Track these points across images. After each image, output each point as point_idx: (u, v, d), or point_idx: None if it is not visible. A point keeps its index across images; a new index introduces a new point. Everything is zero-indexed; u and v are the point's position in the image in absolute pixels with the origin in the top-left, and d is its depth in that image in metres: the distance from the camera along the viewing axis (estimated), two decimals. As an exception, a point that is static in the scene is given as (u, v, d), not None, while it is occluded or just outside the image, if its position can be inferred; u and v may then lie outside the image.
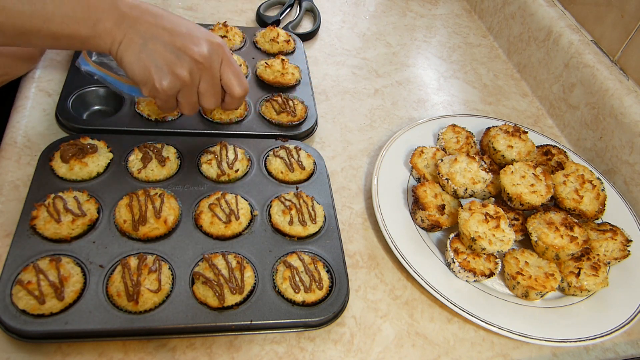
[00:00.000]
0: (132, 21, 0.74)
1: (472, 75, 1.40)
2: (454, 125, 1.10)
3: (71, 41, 0.73)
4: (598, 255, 0.91)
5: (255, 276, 0.78)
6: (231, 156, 0.92)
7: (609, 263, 0.92)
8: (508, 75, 1.43)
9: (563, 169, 1.01)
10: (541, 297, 0.87)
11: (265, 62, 1.13)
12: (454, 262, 0.86)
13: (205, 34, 0.79)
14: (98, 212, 0.81)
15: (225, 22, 1.22)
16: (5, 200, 0.85)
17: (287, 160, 0.94)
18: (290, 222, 0.85)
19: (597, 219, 0.99)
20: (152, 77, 0.75)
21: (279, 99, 1.06)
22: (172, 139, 0.95)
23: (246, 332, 0.74)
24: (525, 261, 0.89)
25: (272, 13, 1.41)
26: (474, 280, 0.86)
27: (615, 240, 0.92)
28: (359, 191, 1.02)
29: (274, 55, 1.20)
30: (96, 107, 1.03)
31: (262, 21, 1.36)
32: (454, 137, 1.07)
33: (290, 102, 1.06)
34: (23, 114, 0.98)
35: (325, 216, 0.88)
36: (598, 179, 0.98)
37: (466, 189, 0.94)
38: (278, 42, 1.21)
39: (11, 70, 0.99)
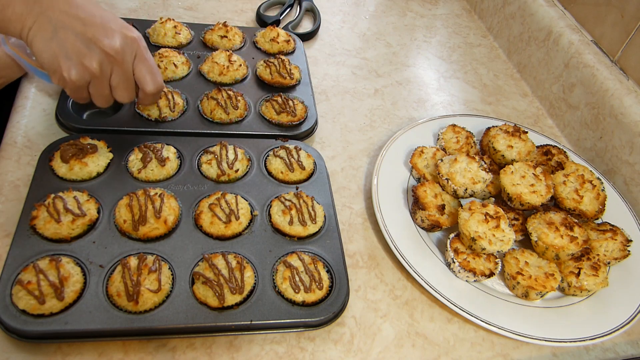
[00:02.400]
0: (44, 7, 0.72)
1: (472, 75, 1.40)
2: (454, 125, 1.10)
3: None
4: (598, 255, 0.91)
5: (255, 276, 0.78)
6: (231, 156, 0.92)
7: (609, 263, 0.92)
8: (508, 75, 1.43)
9: (563, 169, 1.01)
10: (541, 297, 0.87)
11: (264, 62, 1.13)
12: (454, 262, 0.86)
13: (121, 26, 0.77)
14: (98, 212, 0.81)
15: (225, 22, 1.22)
16: (5, 200, 0.85)
17: (287, 160, 0.94)
18: (290, 222, 0.85)
19: (597, 219, 0.99)
20: (60, 66, 0.74)
21: (279, 99, 1.06)
22: (172, 139, 0.95)
23: (246, 332, 0.74)
24: (525, 261, 0.89)
25: (272, 13, 1.41)
26: (474, 280, 0.86)
27: (615, 240, 0.92)
28: (359, 191, 1.02)
29: (274, 55, 1.20)
30: (96, 107, 1.02)
31: (262, 21, 1.36)
32: (454, 137, 1.07)
33: (290, 102, 1.06)
34: (23, 114, 0.98)
35: (325, 216, 0.88)
36: (598, 179, 0.98)
37: (466, 189, 0.94)
38: (278, 42, 1.21)
39: (10, 72, 0.99)
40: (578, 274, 0.87)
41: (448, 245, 0.88)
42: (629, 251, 0.92)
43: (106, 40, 0.74)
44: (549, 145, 1.10)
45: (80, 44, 0.73)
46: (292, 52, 1.23)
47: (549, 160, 1.07)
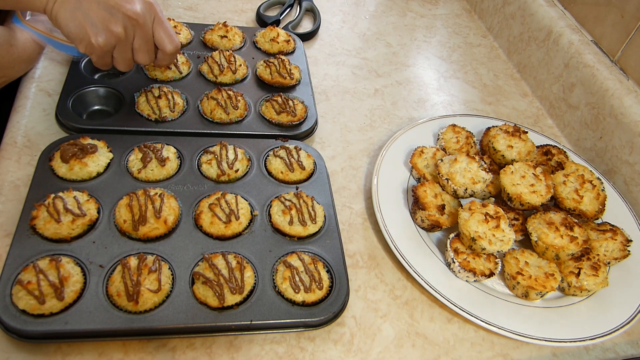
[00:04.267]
0: None
1: (472, 75, 1.40)
2: (454, 125, 1.10)
3: (5, 0, 0.75)
4: (598, 255, 0.91)
5: (255, 276, 0.78)
6: (231, 156, 0.92)
7: (609, 263, 0.92)
8: (508, 75, 1.43)
9: (563, 169, 1.01)
10: (541, 297, 0.87)
11: (264, 62, 1.13)
12: (454, 262, 0.86)
13: None
14: (98, 212, 0.81)
15: (225, 22, 1.22)
16: (5, 200, 0.85)
17: (287, 160, 0.94)
18: (290, 222, 0.85)
19: (597, 219, 0.99)
20: (87, 34, 0.79)
21: (279, 99, 1.06)
22: (172, 139, 0.95)
23: (246, 332, 0.74)
24: (525, 261, 0.89)
25: (272, 13, 1.41)
26: (474, 280, 0.86)
27: (615, 240, 0.92)
28: (359, 191, 1.02)
29: (274, 55, 1.20)
30: (96, 107, 1.03)
31: (262, 21, 1.36)
32: (454, 137, 1.07)
33: (290, 102, 1.06)
34: (23, 114, 0.98)
35: (325, 216, 0.88)
36: (598, 179, 0.98)
37: (466, 189, 0.94)
38: (278, 42, 1.21)
39: (10, 72, 0.99)
40: (578, 274, 0.87)
41: (448, 245, 0.88)
42: (629, 251, 0.92)
43: (128, 6, 0.80)
44: (549, 145, 1.10)
45: (104, 11, 0.79)
46: (292, 52, 1.23)
47: (549, 160, 1.07)
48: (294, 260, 0.80)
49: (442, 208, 0.92)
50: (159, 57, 0.91)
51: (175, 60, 1.08)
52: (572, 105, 1.25)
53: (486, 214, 0.88)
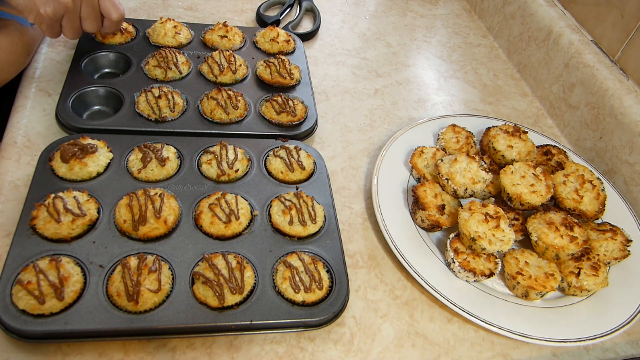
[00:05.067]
0: None
1: (472, 75, 1.40)
2: (454, 125, 1.10)
3: None
4: (598, 255, 0.91)
5: (255, 276, 0.78)
6: (231, 156, 0.92)
7: (609, 263, 0.92)
8: (508, 75, 1.43)
9: (563, 169, 1.01)
10: (541, 297, 0.87)
11: (264, 62, 1.13)
12: (454, 262, 0.86)
13: None
14: (98, 212, 0.81)
15: (225, 22, 1.22)
16: (5, 200, 0.85)
17: (287, 160, 0.94)
18: (290, 222, 0.85)
19: (597, 219, 0.99)
20: (36, 4, 0.84)
21: (279, 99, 1.06)
22: (172, 139, 0.95)
23: (246, 332, 0.74)
24: (525, 261, 0.89)
25: (272, 13, 1.41)
26: (474, 280, 0.86)
27: (615, 240, 0.92)
28: (359, 191, 1.02)
29: (274, 55, 1.20)
30: (96, 107, 1.03)
31: (262, 21, 1.36)
32: (454, 137, 1.07)
33: (290, 102, 1.06)
34: (23, 114, 0.98)
35: (325, 216, 0.88)
36: (598, 179, 0.98)
37: (466, 189, 0.94)
38: (278, 42, 1.21)
39: (1, 75, 0.99)
40: (578, 274, 0.87)
41: (448, 245, 0.88)
42: (629, 251, 0.92)
43: None
44: (549, 145, 1.10)
45: None
46: (292, 52, 1.23)
47: (549, 160, 1.07)
48: (294, 260, 0.80)
49: (442, 208, 0.92)
50: (105, 24, 0.97)
51: (175, 60, 1.08)
52: (572, 105, 1.25)
53: (486, 214, 0.88)
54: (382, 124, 1.18)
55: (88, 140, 0.89)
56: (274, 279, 0.78)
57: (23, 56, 1.04)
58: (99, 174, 0.87)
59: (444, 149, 1.06)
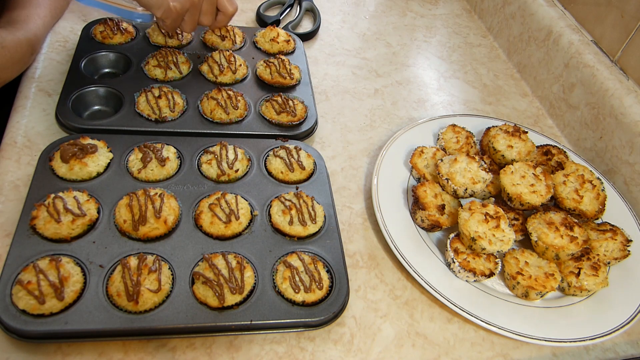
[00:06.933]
0: None
1: (472, 75, 1.40)
2: (454, 125, 1.10)
3: None
4: (598, 255, 0.91)
5: (255, 276, 0.78)
6: (231, 156, 0.92)
7: (609, 263, 0.92)
8: (508, 75, 1.43)
9: (563, 169, 1.01)
10: (541, 297, 0.87)
11: (264, 62, 1.13)
12: (454, 262, 0.86)
13: None
14: (98, 212, 0.81)
15: (225, 22, 1.22)
16: (5, 200, 0.85)
17: (287, 160, 0.94)
18: (290, 222, 0.85)
19: (597, 219, 0.99)
20: (166, 0, 0.90)
21: (279, 99, 1.06)
22: (172, 139, 0.95)
23: (246, 332, 0.74)
24: (525, 261, 0.89)
25: (272, 13, 1.41)
26: (474, 280, 0.86)
27: (615, 240, 0.92)
28: (359, 191, 1.02)
29: (274, 55, 1.20)
30: (96, 107, 1.03)
31: (262, 21, 1.36)
32: (454, 137, 1.07)
33: (290, 102, 1.06)
34: (23, 114, 0.98)
35: (325, 216, 0.88)
36: (598, 179, 0.98)
37: (466, 189, 0.94)
38: (278, 42, 1.21)
39: (3, 74, 0.99)
40: (578, 274, 0.87)
41: (448, 245, 0.88)
42: (629, 251, 0.92)
43: None
44: (549, 145, 1.10)
45: None
46: (292, 52, 1.23)
47: (549, 160, 1.07)
48: (294, 260, 0.80)
49: (442, 208, 0.92)
50: (219, 18, 1.03)
51: (175, 60, 1.08)
52: (572, 105, 1.25)
53: (486, 214, 0.88)
54: (382, 124, 1.18)
55: (88, 140, 0.89)
56: (274, 279, 0.78)
57: (28, 55, 1.04)
58: (99, 174, 0.87)
59: (444, 149, 1.06)
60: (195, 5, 0.95)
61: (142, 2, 0.92)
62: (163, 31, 1.15)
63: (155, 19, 0.97)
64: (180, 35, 1.17)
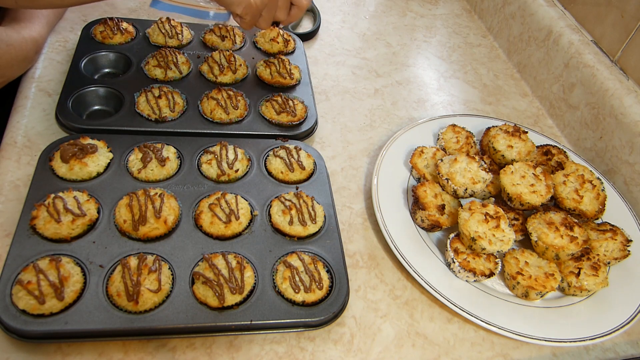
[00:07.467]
0: None
1: (472, 75, 1.40)
2: (454, 125, 1.10)
3: None
4: (598, 255, 0.91)
5: (255, 276, 0.78)
6: (231, 156, 0.92)
7: (609, 263, 0.92)
8: (508, 75, 1.43)
9: (563, 169, 1.01)
10: (541, 297, 0.87)
11: (264, 62, 1.13)
12: (454, 262, 0.86)
13: None
14: (98, 212, 0.81)
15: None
16: (5, 200, 0.85)
17: (287, 160, 0.94)
18: (290, 222, 0.85)
19: (597, 219, 0.99)
20: None
21: (279, 99, 1.06)
22: (172, 139, 0.95)
23: (246, 332, 0.74)
24: (525, 261, 0.89)
25: (272, 13, 1.41)
26: (474, 280, 0.86)
27: (615, 240, 0.92)
28: (359, 191, 1.02)
29: (274, 55, 1.20)
30: (96, 107, 1.03)
31: (262, 21, 1.36)
32: (454, 137, 1.07)
33: (290, 102, 1.06)
34: (23, 114, 0.98)
35: (325, 216, 0.88)
36: (598, 179, 0.98)
37: (466, 189, 0.94)
38: (278, 42, 1.21)
39: (8, 72, 0.99)
40: (578, 274, 0.87)
41: (448, 245, 0.88)
42: (629, 251, 0.92)
43: None
44: (549, 145, 1.10)
45: None
46: (292, 52, 1.23)
47: (549, 160, 1.07)
48: (294, 260, 0.80)
49: (442, 208, 0.92)
50: (293, 12, 1.02)
51: (175, 60, 1.08)
52: (572, 105, 1.25)
53: (486, 214, 0.88)
54: (382, 124, 1.18)
55: (88, 140, 0.89)
56: (274, 279, 0.78)
57: (32, 53, 1.04)
58: (99, 174, 0.87)
59: (444, 149, 1.06)
60: (273, 1, 0.94)
61: (221, 1, 0.92)
62: (163, 31, 1.15)
63: (232, 17, 0.95)
64: (180, 35, 1.17)
